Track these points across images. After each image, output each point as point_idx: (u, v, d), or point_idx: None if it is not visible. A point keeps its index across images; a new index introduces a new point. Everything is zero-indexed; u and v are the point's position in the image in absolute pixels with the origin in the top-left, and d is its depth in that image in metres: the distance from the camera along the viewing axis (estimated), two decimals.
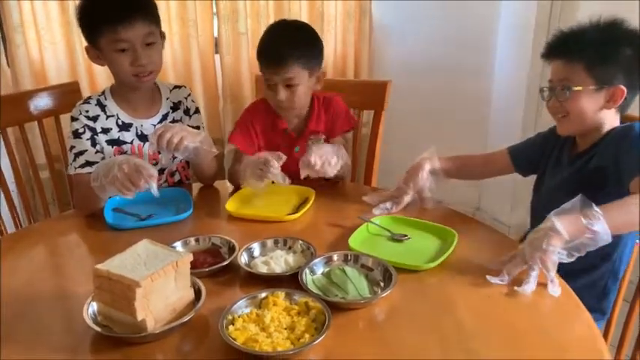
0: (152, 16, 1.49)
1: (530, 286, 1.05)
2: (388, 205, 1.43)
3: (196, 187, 1.66)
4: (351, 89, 1.88)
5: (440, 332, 0.97)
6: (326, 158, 1.42)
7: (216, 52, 2.59)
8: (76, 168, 1.49)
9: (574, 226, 1.04)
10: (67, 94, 1.80)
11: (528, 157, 1.51)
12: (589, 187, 1.19)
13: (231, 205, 1.44)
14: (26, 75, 2.19)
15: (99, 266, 0.94)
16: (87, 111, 1.53)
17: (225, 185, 1.66)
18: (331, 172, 1.43)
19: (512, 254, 1.12)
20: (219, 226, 1.40)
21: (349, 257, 1.15)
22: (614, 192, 1.22)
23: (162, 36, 1.56)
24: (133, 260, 0.97)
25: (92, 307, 0.98)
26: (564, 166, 1.42)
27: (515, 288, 1.05)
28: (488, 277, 1.09)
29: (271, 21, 2.63)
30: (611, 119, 1.33)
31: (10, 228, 1.74)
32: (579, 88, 1.28)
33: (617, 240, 1.33)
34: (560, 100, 1.31)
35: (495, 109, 2.94)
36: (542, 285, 1.06)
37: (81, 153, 1.50)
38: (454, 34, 2.83)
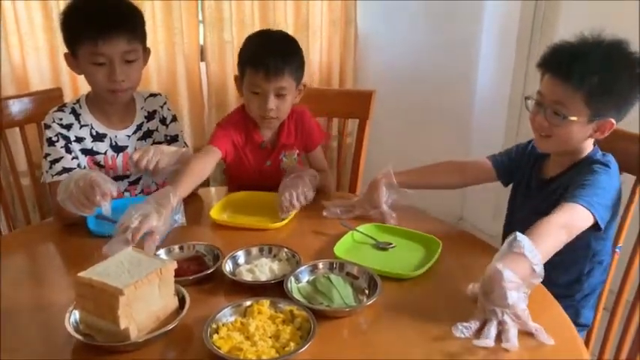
0: (135, 33, 1.47)
1: (489, 342, 0.94)
2: (338, 210, 1.45)
3: None
4: (335, 98, 1.89)
5: (424, 340, 0.97)
6: (303, 195, 1.44)
7: (202, 60, 2.58)
8: (52, 175, 1.47)
9: (522, 267, 1.00)
10: (49, 101, 1.77)
11: (509, 167, 1.51)
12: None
13: (215, 213, 1.43)
14: (8, 81, 2.15)
15: (81, 274, 0.93)
16: (60, 119, 1.51)
17: (208, 192, 1.66)
18: (307, 202, 1.46)
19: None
20: (204, 234, 1.39)
21: (334, 265, 1.15)
22: None
23: (148, 52, 1.55)
24: (117, 268, 0.96)
25: (74, 316, 0.97)
26: (533, 191, 1.42)
27: (474, 342, 0.95)
28: (453, 328, 0.98)
29: (256, 28, 2.66)
30: (587, 143, 1.33)
31: None
32: (575, 118, 1.24)
33: (582, 264, 1.35)
34: (549, 122, 1.27)
35: (478, 116, 2.96)
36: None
37: (57, 160, 1.48)
38: (437, 43, 2.85)
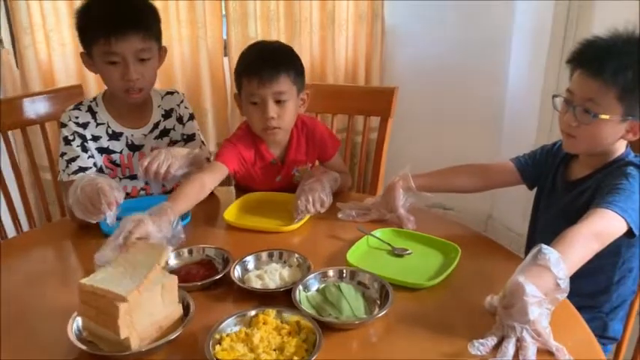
0: (150, 30, 1.44)
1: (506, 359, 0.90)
2: (354, 212, 1.40)
3: None
4: (357, 95, 1.84)
5: (437, 356, 0.92)
6: (320, 202, 1.39)
7: (225, 55, 2.56)
8: (69, 175, 1.47)
9: (546, 281, 0.93)
10: (70, 98, 1.77)
11: (533, 169, 1.44)
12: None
13: (229, 214, 1.41)
14: (34, 77, 2.18)
15: (84, 280, 0.92)
16: (77, 117, 1.51)
17: (226, 192, 1.63)
18: (324, 210, 1.41)
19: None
20: (216, 236, 1.37)
21: (345, 273, 1.11)
22: None
23: (163, 50, 1.53)
24: (119, 273, 0.94)
25: (77, 323, 0.95)
26: (559, 192, 1.35)
27: None
28: (469, 345, 0.92)
29: (281, 24, 2.63)
30: (619, 145, 1.26)
31: (10, 232, 1.73)
32: (607, 116, 1.17)
33: (610, 273, 1.28)
34: (580, 121, 1.21)
35: (509, 113, 2.87)
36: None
37: (73, 159, 1.48)
38: (467, 37, 2.77)
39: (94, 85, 2.28)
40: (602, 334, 1.29)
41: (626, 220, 1.10)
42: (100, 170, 1.53)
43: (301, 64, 1.49)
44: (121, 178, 1.56)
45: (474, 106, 2.87)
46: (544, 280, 0.93)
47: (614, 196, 1.13)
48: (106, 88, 1.55)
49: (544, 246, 0.97)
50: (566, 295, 0.95)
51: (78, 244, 1.37)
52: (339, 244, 1.28)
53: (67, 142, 1.49)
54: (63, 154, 1.49)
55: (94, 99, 1.55)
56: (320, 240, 1.33)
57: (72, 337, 0.92)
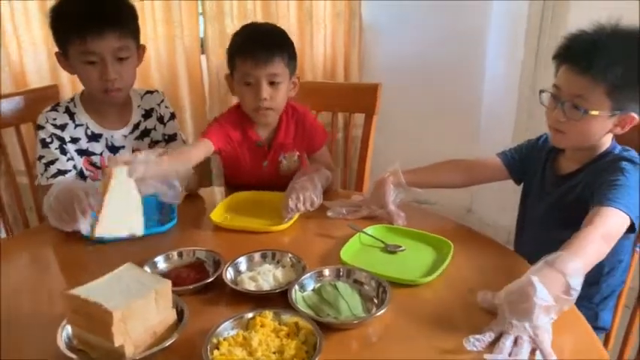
0: (127, 28, 1.40)
1: (502, 357, 0.88)
2: (344, 210, 1.39)
3: None
4: (340, 92, 1.82)
5: (437, 353, 0.91)
6: (310, 201, 1.37)
7: (202, 53, 2.52)
8: (47, 178, 1.42)
9: (557, 286, 0.93)
10: (45, 99, 1.72)
11: (520, 164, 1.45)
12: (571, 220, 1.14)
13: (216, 215, 1.38)
14: (6, 78, 2.11)
15: (73, 291, 0.88)
16: (54, 119, 1.46)
17: (211, 193, 1.60)
18: (313, 209, 1.39)
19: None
20: (204, 238, 1.34)
21: (341, 272, 1.09)
22: None
23: (142, 49, 1.49)
24: (110, 285, 0.91)
25: (67, 331, 0.92)
26: (549, 186, 1.36)
27: (486, 356, 0.88)
28: (464, 341, 0.91)
29: (258, 21, 2.59)
30: (606, 138, 1.26)
31: None
32: (596, 112, 1.17)
33: (601, 265, 1.27)
34: (569, 117, 1.20)
35: (487, 110, 2.90)
36: None
37: (51, 162, 1.43)
38: (445, 35, 2.78)
39: (68, 85, 2.22)
40: (593, 325, 1.30)
41: (630, 217, 1.11)
42: (81, 173, 1.48)
43: (294, 48, 1.50)
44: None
45: (452, 102, 2.88)
46: (556, 285, 0.93)
47: (614, 193, 1.13)
48: (82, 88, 1.50)
49: (564, 253, 0.97)
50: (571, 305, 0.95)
51: (59, 251, 1.31)
52: (330, 243, 1.27)
53: (45, 144, 1.44)
54: (41, 157, 1.44)
55: (72, 100, 1.50)
56: (311, 239, 1.31)
57: (62, 346, 0.88)
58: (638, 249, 1.32)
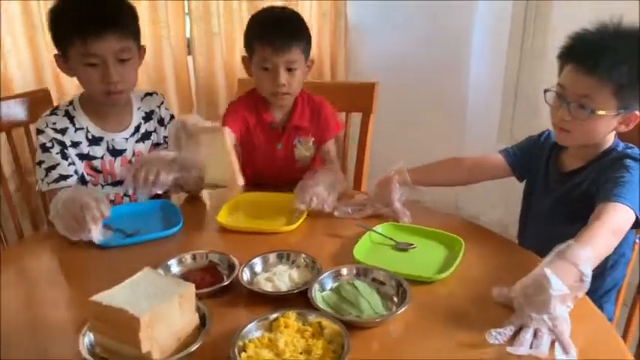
0: (128, 30, 1.38)
1: (523, 349, 0.89)
2: (349, 209, 1.39)
3: (176, 197, 1.57)
4: (337, 92, 1.82)
5: (462, 347, 0.92)
6: (321, 198, 1.37)
7: (189, 54, 2.50)
8: (49, 184, 1.39)
9: (570, 277, 0.95)
10: (37, 103, 1.68)
11: (523, 161, 1.47)
12: (576, 216, 1.17)
13: (222, 217, 1.36)
14: None
15: (96, 298, 0.86)
16: (54, 123, 1.42)
17: (211, 195, 1.58)
18: (327, 208, 1.38)
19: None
20: (211, 240, 1.32)
21: (359, 271, 1.09)
22: None
23: (143, 50, 1.46)
24: (133, 291, 0.89)
25: (88, 338, 0.90)
26: (553, 183, 1.38)
27: (508, 349, 0.90)
28: (487, 335, 0.92)
29: (244, 21, 2.57)
30: (609, 135, 1.29)
31: None
32: (603, 112, 1.19)
33: (606, 260, 1.31)
34: (575, 116, 1.21)
35: (472, 108, 2.93)
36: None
37: (52, 167, 1.39)
38: (430, 34, 2.81)
39: (53, 89, 2.16)
40: None
41: (635, 212, 1.13)
42: (82, 177, 1.45)
43: (309, 33, 1.55)
44: (103, 185, 1.49)
45: (438, 101, 2.91)
46: (569, 276, 0.95)
47: (619, 189, 1.15)
48: (81, 91, 1.47)
49: (574, 243, 0.98)
50: (585, 292, 0.98)
51: (67, 256, 1.27)
52: (340, 242, 1.27)
53: (46, 149, 1.40)
54: (41, 162, 1.40)
55: (71, 103, 1.47)
56: (320, 239, 1.31)
57: (85, 353, 0.86)
58: (638, 241, 1.35)
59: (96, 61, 1.34)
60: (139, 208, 1.37)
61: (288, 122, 1.61)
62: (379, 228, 1.29)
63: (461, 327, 0.97)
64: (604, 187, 1.19)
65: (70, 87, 2.19)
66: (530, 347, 0.90)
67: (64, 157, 1.42)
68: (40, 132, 1.42)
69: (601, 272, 1.32)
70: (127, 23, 1.39)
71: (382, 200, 1.39)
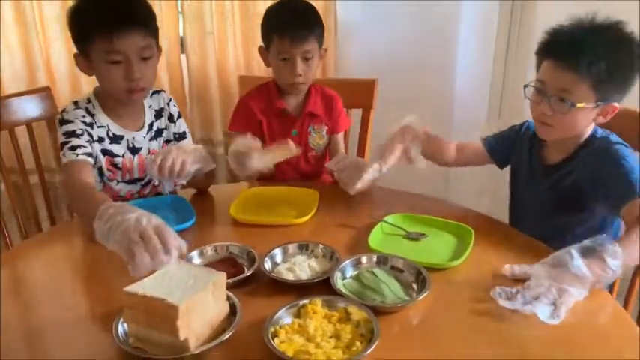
0: (152, 28, 1.40)
1: (516, 304, 0.97)
2: (376, 165, 1.42)
3: (184, 193, 1.58)
4: (337, 88, 1.84)
5: (483, 327, 0.96)
6: (349, 174, 1.41)
7: (182, 52, 2.50)
8: (78, 155, 1.36)
9: (597, 266, 1.00)
10: (40, 100, 1.67)
11: (502, 149, 1.52)
12: (567, 205, 1.25)
13: (235, 211, 1.38)
14: None
15: (131, 288, 0.88)
16: (83, 116, 1.42)
17: (220, 190, 1.60)
18: (350, 190, 1.41)
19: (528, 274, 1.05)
20: (225, 234, 1.34)
21: (379, 259, 1.13)
22: (589, 210, 1.29)
23: (160, 50, 1.48)
24: (166, 282, 0.91)
25: (122, 327, 0.91)
26: (539, 176, 1.41)
27: (500, 301, 0.99)
28: (492, 293, 1.01)
29: (237, 20, 2.60)
30: (589, 127, 1.33)
31: None
32: (582, 105, 1.22)
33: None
34: (555, 110, 1.25)
35: (459, 105, 2.98)
36: None
37: (79, 147, 1.37)
38: (417, 33, 2.85)
39: None
40: None
41: None
42: (100, 171, 1.46)
43: (323, 23, 1.65)
44: (118, 181, 1.50)
45: (425, 98, 2.95)
46: (594, 263, 0.99)
47: (634, 184, 1.18)
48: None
49: (605, 237, 1.03)
50: (600, 286, 1.02)
51: (85, 250, 1.30)
52: (352, 233, 1.30)
53: (75, 135, 1.38)
54: (65, 143, 1.37)
55: (89, 101, 1.46)
56: (332, 230, 1.33)
57: (120, 343, 0.88)
58: None
59: (119, 59, 1.34)
60: (151, 203, 1.38)
61: (303, 108, 1.69)
62: (390, 219, 1.32)
63: (481, 307, 1.01)
64: (613, 188, 1.22)
65: (63, 88, 2.18)
66: (526, 305, 0.96)
67: (91, 147, 1.42)
68: (67, 122, 1.40)
69: None
70: (150, 21, 1.40)
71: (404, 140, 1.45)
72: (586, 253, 1.00)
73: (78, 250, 1.34)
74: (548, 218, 1.41)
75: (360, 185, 1.39)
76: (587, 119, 1.28)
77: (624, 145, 1.30)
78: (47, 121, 1.72)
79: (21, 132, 1.70)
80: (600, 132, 1.34)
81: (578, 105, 1.22)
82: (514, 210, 1.57)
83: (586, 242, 1.03)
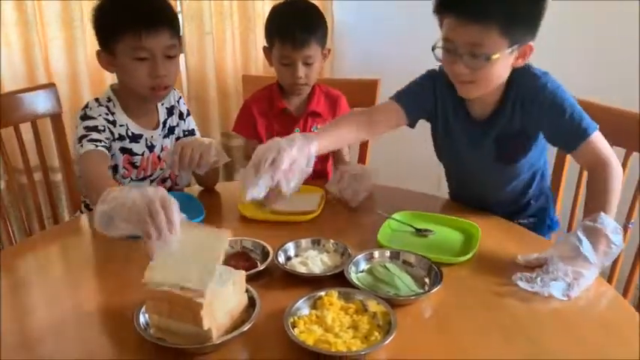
0: (177, 28, 1.42)
1: (534, 287, 1.04)
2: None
3: (191, 190, 1.60)
4: (339, 88, 1.87)
5: (495, 320, 0.99)
6: (353, 190, 1.43)
7: (181, 52, 2.50)
8: (96, 145, 1.35)
9: (603, 245, 1.07)
10: (45, 97, 1.68)
11: (416, 106, 1.42)
12: (512, 151, 1.30)
13: (245, 208, 1.39)
14: None
15: (149, 280, 0.89)
16: (106, 114, 1.43)
17: (226, 187, 1.62)
18: (354, 204, 1.43)
19: (542, 260, 1.10)
20: (234, 229, 1.31)
21: (392, 254, 1.15)
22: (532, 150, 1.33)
23: (180, 50, 1.49)
24: (183, 265, 0.92)
25: (144, 318, 0.93)
26: (479, 134, 1.35)
27: (519, 283, 1.06)
28: (515, 278, 1.07)
29: (235, 20, 2.61)
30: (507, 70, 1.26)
31: None
32: (497, 55, 1.15)
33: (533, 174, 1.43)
34: (471, 67, 1.19)
35: None
36: None
37: (98, 140, 1.37)
38: (413, 33, 2.88)
39: None
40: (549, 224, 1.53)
41: (598, 129, 1.24)
42: (115, 168, 1.47)
43: (326, 24, 1.65)
44: (132, 179, 1.51)
45: None
46: (600, 242, 1.07)
47: (579, 121, 1.23)
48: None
49: (603, 215, 1.09)
50: (608, 263, 1.09)
51: (92, 246, 1.31)
52: (360, 229, 1.33)
53: (96, 129, 1.39)
54: (84, 136, 1.36)
55: (109, 99, 1.47)
56: (340, 226, 1.35)
57: (142, 333, 0.89)
58: (630, 226, 1.45)
59: (146, 56, 1.35)
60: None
61: (306, 108, 1.71)
62: (397, 216, 1.35)
63: (493, 302, 1.04)
64: (564, 128, 1.25)
65: (62, 86, 2.17)
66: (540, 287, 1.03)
67: (110, 144, 1.43)
68: (90, 118, 1.40)
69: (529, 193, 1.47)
70: (176, 22, 1.43)
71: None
72: (590, 233, 1.07)
73: (89, 244, 1.35)
74: (492, 173, 1.40)
75: (362, 197, 1.44)
76: (506, 66, 1.22)
77: (546, 73, 1.28)
78: (51, 118, 1.72)
79: (23, 129, 1.70)
80: (520, 69, 1.27)
81: (494, 57, 1.16)
82: (454, 178, 1.56)
83: (587, 222, 1.08)
